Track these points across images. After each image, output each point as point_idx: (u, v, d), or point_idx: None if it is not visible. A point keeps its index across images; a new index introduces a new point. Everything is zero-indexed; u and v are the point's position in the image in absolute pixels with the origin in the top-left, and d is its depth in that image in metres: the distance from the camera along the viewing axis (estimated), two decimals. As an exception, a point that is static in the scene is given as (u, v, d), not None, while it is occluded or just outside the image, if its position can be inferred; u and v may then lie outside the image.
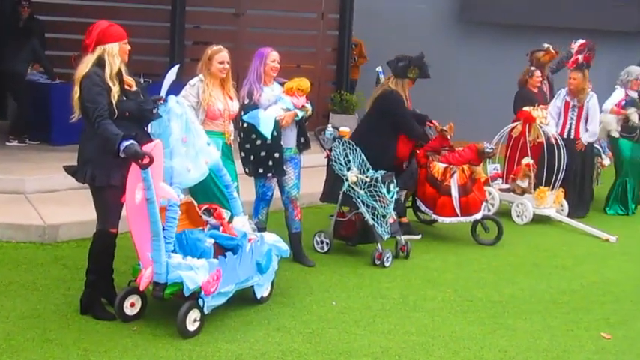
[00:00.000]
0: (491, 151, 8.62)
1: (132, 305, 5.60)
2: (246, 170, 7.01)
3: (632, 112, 10.33)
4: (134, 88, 5.58)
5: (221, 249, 5.88)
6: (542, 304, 6.63)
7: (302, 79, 7.12)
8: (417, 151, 8.57)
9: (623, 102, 10.38)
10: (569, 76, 10.12)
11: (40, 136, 10.97)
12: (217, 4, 14.40)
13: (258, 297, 6.12)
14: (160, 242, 5.31)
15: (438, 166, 8.50)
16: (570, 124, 10.07)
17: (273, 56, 7.04)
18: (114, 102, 5.32)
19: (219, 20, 14.63)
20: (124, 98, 5.42)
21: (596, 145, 11.07)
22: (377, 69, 8.90)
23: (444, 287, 6.91)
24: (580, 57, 10.04)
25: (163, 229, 5.34)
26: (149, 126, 5.73)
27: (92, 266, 5.68)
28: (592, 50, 10.06)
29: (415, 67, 8.15)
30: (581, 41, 10.21)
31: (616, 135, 10.49)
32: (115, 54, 5.41)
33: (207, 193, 6.48)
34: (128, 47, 5.56)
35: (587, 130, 10.04)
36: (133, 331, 5.46)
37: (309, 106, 7.12)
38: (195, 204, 6.25)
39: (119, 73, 5.43)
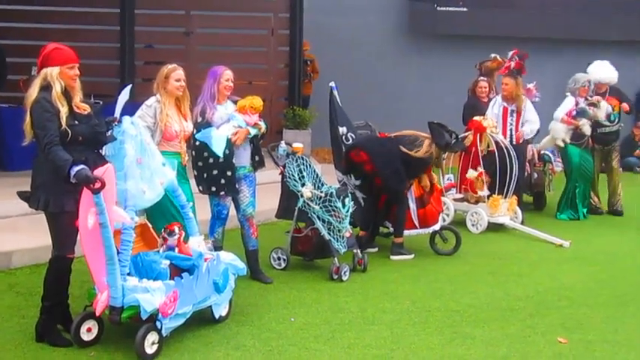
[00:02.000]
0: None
1: (88, 330, 5.54)
2: (200, 188, 7.00)
3: (584, 123, 10.49)
4: (87, 112, 5.55)
5: (177, 270, 5.85)
6: (499, 311, 6.69)
7: (255, 98, 7.13)
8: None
9: (574, 112, 10.54)
10: (502, 82, 10.30)
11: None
12: (167, 24, 14.38)
13: (217, 317, 6.09)
14: (114, 266, 5.26)
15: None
16: (510, 129, 10.21)
17: (227, 75, 7.04)
18: (63, 124, 5.28)
19: (169, 39, 14.62)
20: (76, 122, 5.39)
21: (546, 152, 11.25)
22: (330, 84, 8.92)
23: (402, 299, 6.94)
24: (512, 64, 10.19)
25: (118, 253, 5.29)
26: (104, 149, 5.70)
27: (47, 293, 5.61)
28: (523, 58, 10.21)
29: (458, 149, 8.72)
30: (513, 50, 10.36)
31: (562, 145, 10.65)
32: (55, 77, 5.37)
33: (165, 214, 6.44)
34: (74, 72, 5.50)
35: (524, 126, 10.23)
36: (90, 356, 5.40)
37: (262, 124, 7.13)
38: (150, 226, 6.22)
39: (66, 94, 5.39)
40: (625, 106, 10.94)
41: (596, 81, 10.86)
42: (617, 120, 10.93)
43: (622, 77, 15.84)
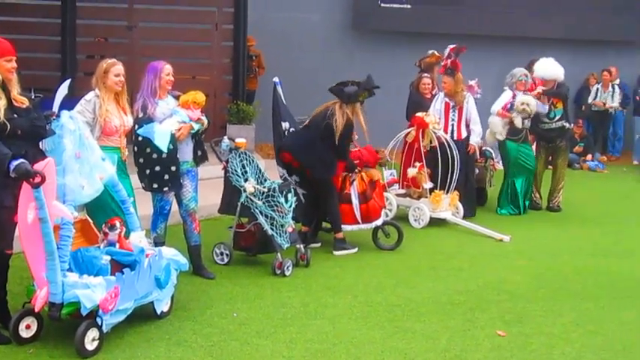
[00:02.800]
0: (384, 159, 8.83)
1: (27, 327, 5.46)
2: (143, 185, 6.95)
3: (516, 115, 10.65)
4: (25, 105, 5.47)
5: (118, 265, 5.81)
6: (439, 305, 6.77)
7: (197, 92, 7.10)
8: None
9: (509, 105, 10.71)
10: (442, 81, 10.44)
11: None
12: (109, 17, 14.22)
13: (158, 312, 6.06)
14: (54, 262, 5.20)
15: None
16: (452, 124, 10.33)
17: (167, 69, 7.00)
18: (1, 117, 5.20)
19: (111, 33, 14.47)
20: (15, 116, 5.31)
21: (487, 148, 11.41)
22: (274, 79, 8.92)
23: (344, 294, 6.98)
24: (448, 62, 10.32)
25: (58, 248, 5.24)
26: (43, 143, 5.62)
27: (-16, 289, 5.54)
28: (459, 53, 10.34)
29: (365, 92, 8.26)
30: (450, 46, 10.47)
31: (501, 138, 10.82)
32: None
33: (106, 209, 6.37)
34: (11, 65, 5.43)
35: (471, 131, 10.34)
36: (29, 354, 5.34)
37: (204, 119, 7.10)
38: (91, 221, 6.16)
39: (3, 87, 5.31)
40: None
41: (541, 77, 11.01)
42: (557, 117, 11.06)
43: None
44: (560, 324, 6.42)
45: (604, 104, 16.10)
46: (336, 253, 8.35)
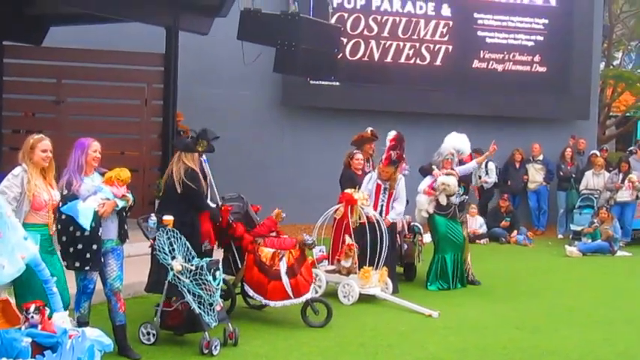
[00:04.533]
0: (312, 242, 8.86)
1: (-59, 415, 5.26)
2: (65, 263, 6.81)
3: (440, 193, 10.86)
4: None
5: (40, 348, 5.63)
6: (369, 383, 6.73)
7: (122, 169, 7.04)
8: (244, 236, 8.63)
9: (434, 184, 10.90)
10: (382, 170, 10.53)
11: None
12: (36, 92, 14.10)
13: (81, 396, 5.88)
14: (-28, 344, 5.03)
15: (265, 251, 8.57)
16: (381, 205, 10.47)
17: (94, 146, 6.95)
18: None
19: (39, 108, 14.34)
20: None
21: (416, 224, 11.53)
22: (201, 158, 8.92)
23: (273, 373, 6.90)
24: (393, 154, 10.47)
25: (-25, 331, 5.08)
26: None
27: None
28: (402, 142, 10.54)
29: (203, 140, 8.22)
30: (392, 134, 10.64)
31: (425, 215, 10.99)
32: None
33: (33, 289, 6.21)
34: None
35: (393, 207, 10.47)
36: None
37: (130, 196, 7.04)
38: (12, 301, 5.99)
39: None
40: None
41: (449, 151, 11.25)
42: (462, 192, 11.34)
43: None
44: (489, 401, 6.43)
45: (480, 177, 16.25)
46: None
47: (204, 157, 8.86)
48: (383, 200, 10.49)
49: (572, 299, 10.62)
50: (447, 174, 10.95)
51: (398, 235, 10.98)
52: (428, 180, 11.05)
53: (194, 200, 8.10)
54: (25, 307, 5.80)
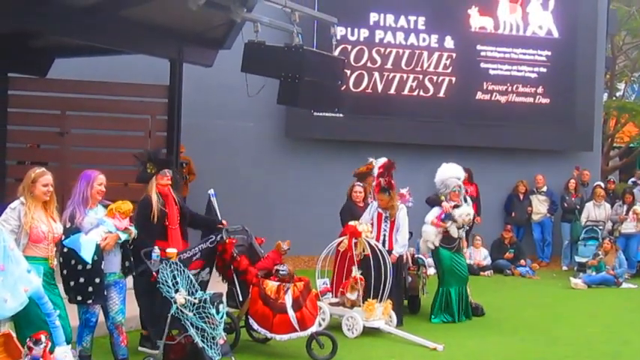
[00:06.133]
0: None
1: None
2: (68, 297, 6.78)
3: (450, 224, 10.82)
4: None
5: (41, 382, 5.60)
6: (373, 419, 6.66)
7: (124, 202, 7.05)
8: (249, 269, 8.58)
9: (443, 215, 10.86)
10: (377, 197, 10.57)
11: None
12: (40, 123, 14.12)
13: None
14: (-27, 379, 4.99)
15: (270, 284, 8.52)
16: (384, 235, 10.44)
17: (100, 179, 6.96)
18: None
19: (43, 139, 14.35)
20: None
21: (420, 256, 11.48)
22: (209, 192, 8.90)
23: (277, 408, 6.83)
24: (382, 180, 10.48)
25: (-23, 365, 5.04)
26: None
27: None
28: (390, 169, 10.54)
29: (150, 163, 8.23)
30: (381, 161, 10.65)
31: (432, 247, 10.94)
32: None
33: (34, 322, 6.17)
34: None
35: (396, 240, 10.42)
36: None
37: (132, 229, 7.03)
38: (14, 335, 5.96)
39: None
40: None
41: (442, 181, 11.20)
42: None
43: (490, 181, 16.55)
44: None
45: None
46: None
47: (211, 190, 8.85)
48: (385, 230, 10.46)
49: (578, 332, 10.54)
50: (455, 206, 10.91)
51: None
52: (436, 211, 10.99)
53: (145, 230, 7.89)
54: (36, 338, 5.76)
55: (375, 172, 10.64)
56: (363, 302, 9.81)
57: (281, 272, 8.62)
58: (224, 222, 8.62)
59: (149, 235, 7.81)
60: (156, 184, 8.23)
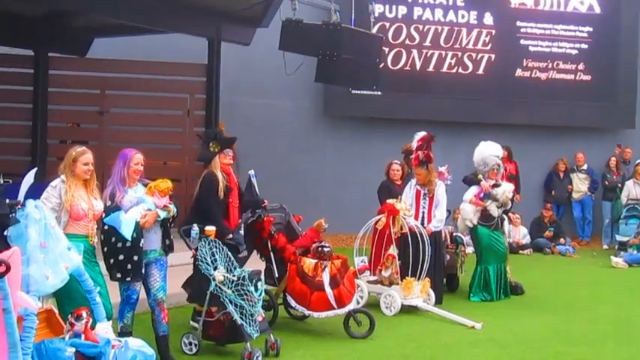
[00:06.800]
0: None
1: (-13, 422, 5.30)
2: (108, 274, 6.85)
3: (490, 203, 10.74)
4: (-11, 193, 5.42)
5: (83, 358, 5.67)
6: (411, 396, 6.67)
7: (163, 180, 7.08)
8: (286, 247, 8.61)
9: (482, 194, 10.78)
10: (415, 172, 10.53)
11: None
12: (80, 103, 14.26)
13: (123, 406, 5.90)
14: (17, 354, 5.06)
15: (308, 262, 8.54)
16: (423, 212, 10.40)
17: (137, 159, 6.99)
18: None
19: (83, 118, 14.50)
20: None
21: (459, 234, 11.42)
22: (249, 172, 8.92)
23: (315, 384, 6.86)
24: (420, 154, 10.41)
25: (20, 340, 5.10)
26: (7, 231, 5.55)
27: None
28: (429, 142, 10.45)
29: (213, 142, 8.25)
30: (421, 134, 10.58)
31: (470, 225, 10.87)
32: None
33: (75, 298, 6.26)
34: None
35: (434, 215, 10.38)
36: None
37: (172, 207, 7.07)
38: (56, 311, 6.04)
39: None
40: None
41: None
42: None
43: (530, 159, 16.38)
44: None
45: None
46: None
47: (252, 171, 8.86)
48: (424, 207, 10.41)
49: (620, 311, 10.43)
50: (494, 185, 10.83)
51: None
52: (474, 190, 10.89)
53: (207, 211, 8.10)
54: (77, 313, 5.84)
55: (414, 144, 10.56)
56: (402, 280, 9.80)
57: (325, 249, 8.63)
58: (266, 201, 8.66)
59: (219, 210, 8.10)
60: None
